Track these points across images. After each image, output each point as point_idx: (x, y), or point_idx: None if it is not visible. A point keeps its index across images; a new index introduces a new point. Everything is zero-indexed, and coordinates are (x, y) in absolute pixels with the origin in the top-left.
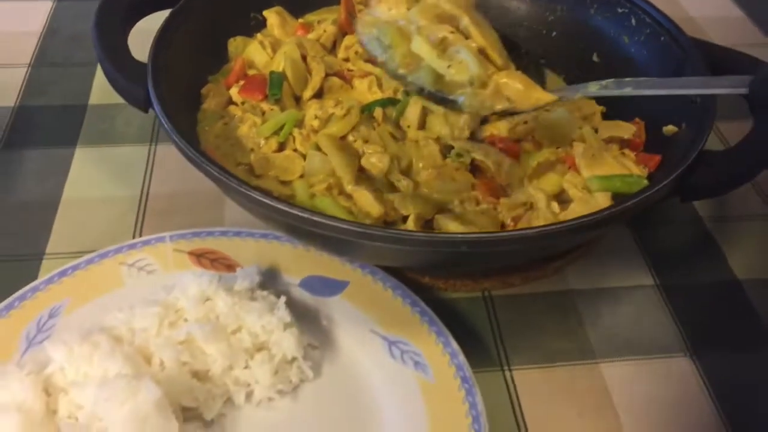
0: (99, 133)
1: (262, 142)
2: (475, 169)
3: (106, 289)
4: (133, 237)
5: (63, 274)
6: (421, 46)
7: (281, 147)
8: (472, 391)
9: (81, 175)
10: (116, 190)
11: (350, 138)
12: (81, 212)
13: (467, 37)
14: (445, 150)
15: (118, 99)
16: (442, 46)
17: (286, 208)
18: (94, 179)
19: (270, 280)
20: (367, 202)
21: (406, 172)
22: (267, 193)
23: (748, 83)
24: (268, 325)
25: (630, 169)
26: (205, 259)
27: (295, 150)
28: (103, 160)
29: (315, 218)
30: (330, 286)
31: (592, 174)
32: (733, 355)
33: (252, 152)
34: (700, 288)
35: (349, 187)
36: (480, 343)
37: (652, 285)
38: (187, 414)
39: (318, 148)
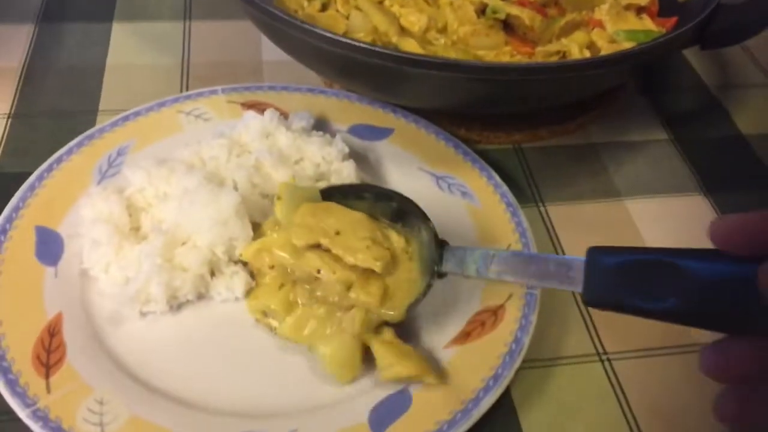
0: (133, 10)
1: (306, 3)
2: (507, 26)
3: (167, 133)
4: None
5: (126, 119)
6: None
7: (324, 7)
8: (517, 213)
9: (122, 45)
10: (158, 58)
11: (387, 2)
12: (127, 76)
13: None
14: (479, 11)
15: None
16: None
17: (349, 41)
18: (136, 49)
19: (320, 128)
20: (413, 47)
21: (442, 31)
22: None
23: None
24: (328, 156)
25: (650, 28)
26: (257, 108)
27: (337, 10)
28: (141, 33)
29: (376, 49)
30: (377, 132)
31: (617, 28)
32: (741, 193)
33: (296, 12)
34: (710, 141)
35: (394, 38)
36: (515, 184)
37: (667, 139)
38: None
39: (358, 10)
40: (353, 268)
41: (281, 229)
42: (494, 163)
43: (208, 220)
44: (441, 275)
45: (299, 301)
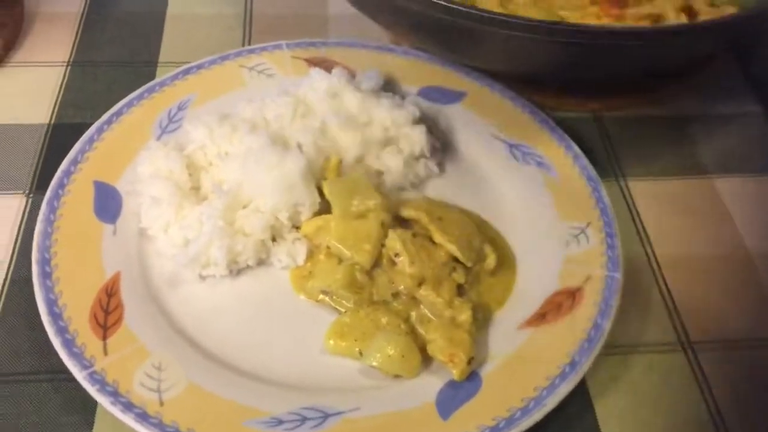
0: None
1: None
2: None
3: (229, 88)
4: (242, 45)
5: (187, 72)
6: None
7: None
8: (598, 188)
9: None
10: (219, 8)
11: None
12: (187, 26)
13: None
14: None
15: None
16: None
17: None
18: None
19: (388, 89)
20: (492, 6)
21: None
22: None
23: None
24: (398, 119)
25: None
26: (322, 66)
27: None
28: None
29: (453, 6)
30: (448, 96)
31: None
32: None
33: None
34: None
35: None
36: (593, 155)
37: (762, 112)
38: None
39: None
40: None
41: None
42: (571, 132)
43: (273, 184)
44: None
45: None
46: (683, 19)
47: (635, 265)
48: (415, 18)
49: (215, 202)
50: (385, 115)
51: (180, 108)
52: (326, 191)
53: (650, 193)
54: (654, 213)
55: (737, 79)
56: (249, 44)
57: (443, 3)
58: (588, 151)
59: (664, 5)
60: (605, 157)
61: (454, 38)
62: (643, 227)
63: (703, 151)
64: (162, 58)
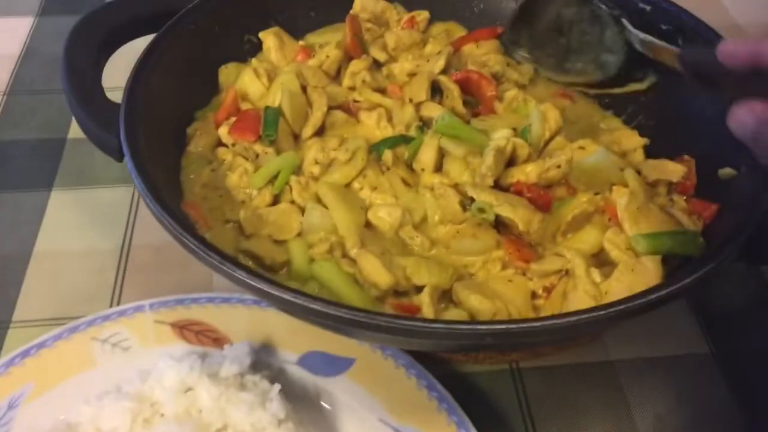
0: (78, 172)
1: (255, 193)
2: (499, 223)
3: (74, 370)
4: (112, 296)
5: (26, 354)
6: None
7: (276, 199)
8: None
9: (56, 222)
10: (95, 242)
11: (356, 185)
12: (54, 269)
13: None
14: (466, 201)
15: None
16: None
17: (279, 293)
18: (71, 228)
19: (264, 357)
20: (374, 269)
21: (420, 226)
22: (257, 274)
23: None
24: (259, 422)
25: (681, 223)
26: (188, 331)
27: (292, 202)
28: (82, 204)
29: (312, 305)
30: (333, 364)
31: (637, 231)
32: None
33: (243, 205)
34: (758, 355)
35: (353, 251)
36: (506, 425)
37: (707, 353)
38: None
39: (318, 200)
40: None
41: None
42: (482, 393)
43: None
44: None
45: None
46: (595, 276)
47: None
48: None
49: None
50: (242, 418)
51: (10, 407)
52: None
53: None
54: None
55: (680, 310)
56: (121, 286)
57: (308, 305)
58: (500, 417)
59: (573, 259)
60: (521, 427)
61: (333, 327)
62: None
63: (637, 411)
64: (17, 315)
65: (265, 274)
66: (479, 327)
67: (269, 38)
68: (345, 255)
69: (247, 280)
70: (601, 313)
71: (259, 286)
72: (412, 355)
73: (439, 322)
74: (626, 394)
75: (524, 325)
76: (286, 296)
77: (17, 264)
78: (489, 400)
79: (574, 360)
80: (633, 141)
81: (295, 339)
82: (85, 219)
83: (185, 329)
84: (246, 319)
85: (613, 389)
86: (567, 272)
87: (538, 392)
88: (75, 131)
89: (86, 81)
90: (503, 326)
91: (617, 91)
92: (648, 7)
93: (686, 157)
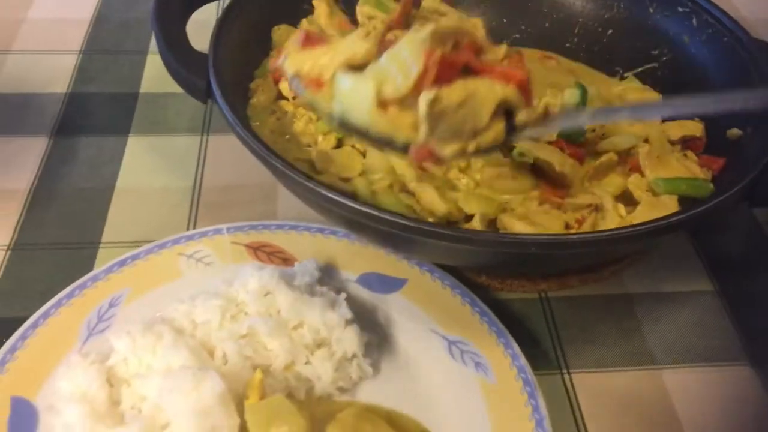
0: (151, 122)
1: (320, 138)
2: (535, 170)
3: (165, 279)
4: (188, 228)
5: (122, 263)
6: None
7: (339, 143)
8: (535, 395)
9: (134, 164)
10: (170, 181)
11: None
12: (135, 202)
13: None
14: (506, 149)
15: (169, 88)
16: None
17: (355, 205)
18: (147, 169)
19: (327, 276)
20: (431, 199)
21: (465, 170)
22: (333, 188)
23: None
24: (330, 321)
25: (694, 173)
26: (261, 252)
27: (353, 146)
28: (156, 149)
29: (385, 216)
30: (388, 284)
31: (656, 176)
32: None
33: (310, 148)
34: (763, 296)
35: (412, 185)
36: (537, 344)
37: (712, 291)
38: None
39: None
40: None
41: None
42: (516, 316)
43: (188, 409)
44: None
45: None
46: (621, 210)
47: None
48: (349, 220)
49: (130, 428)
50: (316, 317)
51: (111, 305)
52: (246, 417)
53: (595, 389)
54: (597, 410)
55: (688, 254)
56: (195, 219)
57: (371, 212)
58: (532, 338)
59: (602, 195)
60: (550, 345)
61: (388, 240)
62: (585, 426)
63: (649, 336)
64: (105, 237)
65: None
66: (526, 237)
67: (321, 5)
68: (403, 189)
69: (332, 195)
70: (630, 230)
71: (341, 200)
72: (456, 278)
73: (490, 232)
74: (640, 322)
75: (564, 237)
76: (364, 208)
77: (102, 197)
78: (522, 322)
79: (596, 292)
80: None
81: (353, 262)
82: (160, 162)
83: (258, 250)
84: (311, 244)
85: (629, 318)
86: (596, 208)
87: (565, 318)
88: (146, 86)
89: (176, 34)
90: (546, 237)
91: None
92: None
93: (697, 120)
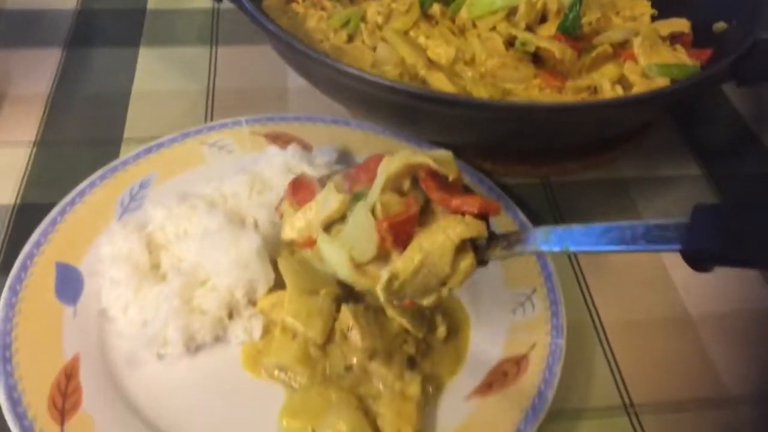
0: (160, 35)
1: (332, 34)
2: (536, 60)
3: (190, 165)
4: (205, 122)
5: (149, 150)
6: None
7: (350, 38)
8: (543, 256)
9: (148, 71)
10: (184, 85)
11: (412, 34)
12: (152, 103)
13: None
14: (508, 43)
15: (176, 4)
16: None
17: (374, 78)
18: (161, 75)
19: (343, 162)
20: (441, 82)
21: (470, 63)
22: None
23: None
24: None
25: (684, 61)
26: (280, 141)
27: (363, 42)
28: (167, 59)
29: (402, 87)
30: None
31: (650, 62)
32: None
33: (322, 43)
34: (747, 177)
35: (422, 71)
36: (540, 221)
37: (700, 174)
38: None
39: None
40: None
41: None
42: (520, 199)
43: (228, 263)
44: (483, 263)
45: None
46: (619, 91)
47: (581, 329)
48: (365, 97)
49: (172, 282)
50: None
51: (142, 186)
52: (280, 267)
53: (596, 260)
54: (600, 278)
55: (677, 143)
56: (211, 119)
57: (391, 84)
58: (534, 218)
59: (600, 78)
60: (552, 222)
61: (404, 115)
62: (589, 293)
63: (644, 214)
64: (127, 134)
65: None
66: (535, 103)
67: None
68: (414, 78)
69: (351, 70)
70: (631, 96)
71: (359, 73)
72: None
73: (502, 101)
74: (635, 202)
75: (569, 103)
76: (378, 79)
77: (119, 100)
78: (525, 204)
79: (595, 177)
80: (641, 7)
81: (368, 149)
82: (172, 69)
83: (277, 139)
84: (326, 134)
85: (625, 198)
86: (595, 90)
87: (566, 199)
88: (153, 3)
89: None
90: (552, 103)
91: None
92: None
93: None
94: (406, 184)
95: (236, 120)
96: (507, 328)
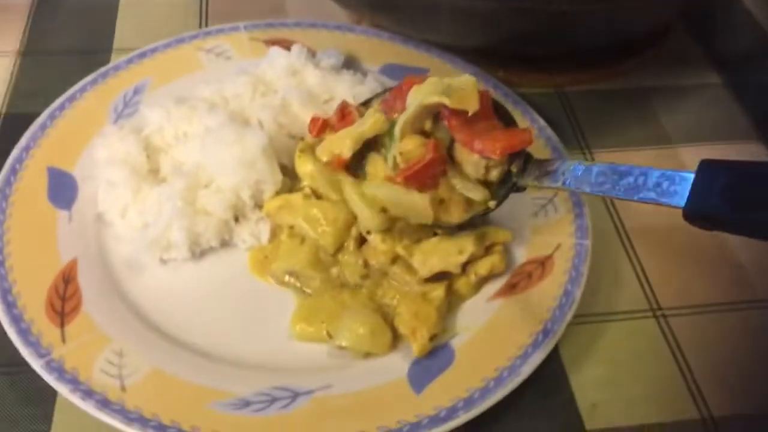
0: None
1: None
2: None
3: (186, 70)
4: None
5: (142, 55)
6: None
7: None
8: (564, 158)
9: None
10: None
11: None
12: (142, 12)
13: None
14: None
15: None
16: None
17: None
18: None
19: (349, 67)
20: None
21: None
22: None
23: None
24: (360, 95)
25: None
26: (281, 46)
27: None
28: None
29: None
30: (410, 73)
31: None
32: None
33: None
34: (765, 84)
35: None
36: (558, 129)
37: (719, 83)
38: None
39: None
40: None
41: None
42: (536, 106)
43: (233, 161)
44: (520, 189)
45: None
46: None
47: (604, 235)
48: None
49: (175, 183)
50: (346, 91)
51: (136, 92)
52: (297, 167)
53: (615, 161)
54: None
55: (697, 52)
56: (206, 26)
57: None
58: (552, 124)
59: None
60: (570, 130)
61: (416, 12)
62: (611, 200)
63: (665, 121)
64: (116, 45)
65: None
66: None
67: None
68: None
69: None
70: None
71: None
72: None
73: None
74: (655, 110)
75: None
76: None
77: (107, 9)
78: (542, 111)
79: (611, 87)
80: None
81: (373, 55)
82: None
83: (278, 44)
84: (329, 39)
85: (645, 107)
86: None
87: (583, 108)
88: None
89: None
90: None
91: None
92: None
93: None
94: (428, 124)
95: (234, 26)
96: (529, 230)
